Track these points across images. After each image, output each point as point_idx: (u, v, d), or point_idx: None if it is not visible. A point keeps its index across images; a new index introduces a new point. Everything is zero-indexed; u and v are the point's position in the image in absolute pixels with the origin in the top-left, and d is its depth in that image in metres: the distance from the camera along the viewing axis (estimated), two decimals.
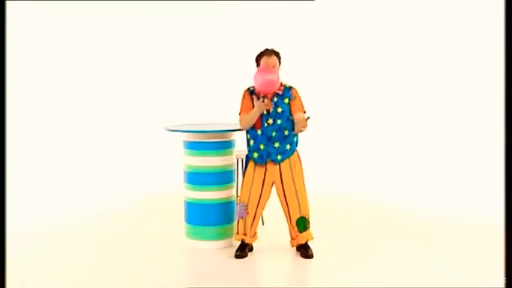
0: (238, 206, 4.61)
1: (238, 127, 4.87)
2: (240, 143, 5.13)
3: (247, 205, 4.51)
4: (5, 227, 3.57)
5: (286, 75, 7.29)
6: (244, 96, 4.57)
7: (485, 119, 6.36)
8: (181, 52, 7.79)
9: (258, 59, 4.50)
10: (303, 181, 4.55)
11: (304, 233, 4.49)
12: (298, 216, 4.47)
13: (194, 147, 4.88)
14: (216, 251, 4.63)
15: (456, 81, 6.61)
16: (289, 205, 4.47)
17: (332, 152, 7.28)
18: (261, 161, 4.49)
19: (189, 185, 4.91)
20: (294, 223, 4.49)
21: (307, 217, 4.50)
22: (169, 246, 4.84)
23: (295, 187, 4.44)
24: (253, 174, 4.52)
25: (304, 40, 7.53)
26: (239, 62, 7.49)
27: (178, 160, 5.08)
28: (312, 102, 7.11)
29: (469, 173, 6.30)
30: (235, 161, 5.17)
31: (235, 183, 5.13)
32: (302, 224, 4.48)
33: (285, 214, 4.56)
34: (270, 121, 4.44)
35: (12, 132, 6.13)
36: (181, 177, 4.99)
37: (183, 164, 4.95)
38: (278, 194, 4.53)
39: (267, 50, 4.48)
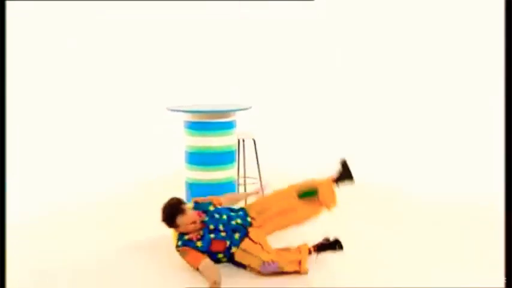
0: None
1: (240, 107, 4.87)
2: (242, 123, 5.13)
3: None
4: (5, 225, 3.53)
5: (286, 73, 7.35)
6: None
7: (487, 108, 6.29)
8: (182, 36, 7.67)
9: (170, 220, 3.95)
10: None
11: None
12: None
13: (195, 127, 4.86)
14: None
15: (457, 68, 6.53)
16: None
17: (338, 141, 7.24)
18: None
19: (190, 165, 4.91)
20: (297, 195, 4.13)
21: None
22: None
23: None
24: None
25: (304, 38, 7.46)
26: (239, 49, 7.48)
27: (179, 140, 5.05)
28: (320, 93, 7.21)
29: (468, 171, 6.25)
30: (237, 142, 5.16)
31: (236, 164, 5.13)
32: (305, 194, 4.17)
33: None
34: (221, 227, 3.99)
35: (12, 115, 6.09)
36: (182, 158, 4.98)
37: (184, 145, 4.94)
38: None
39: (173, 206, 3.98)
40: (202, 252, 3.86)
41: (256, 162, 5.34)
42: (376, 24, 6.81)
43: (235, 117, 4.95)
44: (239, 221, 4.04)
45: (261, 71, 7.47)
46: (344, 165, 4.27)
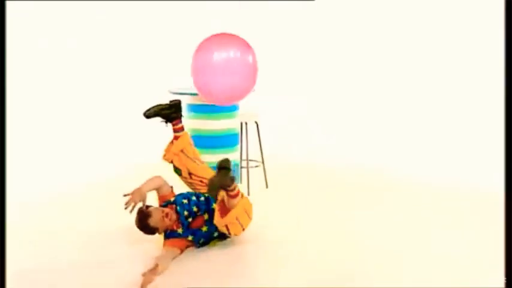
0: None
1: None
2: (244, 106, 5.09)
3: None
4: (5, 221, 3.54)
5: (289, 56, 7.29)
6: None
7: (486, 94, 6.23)
8: (185, 18, 7.56)
9: (146, 227, 3.91)
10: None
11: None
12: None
13: (198, 110, 4.87)
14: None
15: (457, 57, 6.47)
16: None
17: (339, 124, 7.20)
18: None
19: None
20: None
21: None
22: None
23: None
24: None
25: (307, 23, 7.38)
26: (242, 32, 7.32)
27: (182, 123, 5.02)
28: (322, 76, 7.16)
29: (469, 158, 6.20)
30: (240, 125, 5.14)
31: (239, 147, 5.12)
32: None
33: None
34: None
35: (14, 101, 6.08)
36: None
37: (187, 128, 4.90)
38: None
39: (139, 215, 3.90)
40: (187, 236, 3.90)
41: (259, 145, 5.34)
42: (377, 14, 6.80)
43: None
44: (206, 194, 4.07)
45: (264, 53, 7.38)
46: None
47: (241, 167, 5.25)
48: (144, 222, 3.87)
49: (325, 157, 6.35)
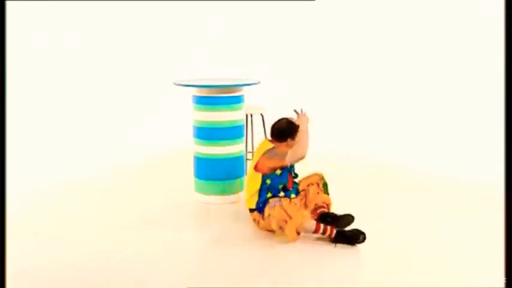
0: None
1: (247, 82, 4.83)
2: (249, 98, 5.07)
3: None
4: (5, 219, 3.54)
5: (294, 48, 7.26)
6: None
7: (488, 88, 6.16)
8: (191, 10, 7.57)
9: (292, 131, 4.12)
10: None
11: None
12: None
13: (203, 102, 4.85)
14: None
15: (456, 45, 6.43)
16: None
17: (345, 116, 7.20)
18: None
19: (198, 140, 4.92)
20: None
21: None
22: (179, 200, 4.94)
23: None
24: None
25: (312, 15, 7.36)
26: (247, 24, 7.38)
27: (188, 115, 5.03)
28: (328, 68, 7.14)
29: (472, 152, 6.15)
30: (245, 116, 5.13)
31: (244, 139, 5.12)
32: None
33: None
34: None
35: (17, 88, 6.13)
36: (191, 132, 4.98)
37: (192, 119, 4.92)
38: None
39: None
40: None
41: (264, 137, 5.31)
42: (382, 9, 6.81)
43: (244, 92, 4.92)
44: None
45: (269, 46, 7.44)
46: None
47: (247, 159, 5.25)
48: (296, 128, 4.08)
49: (329, 149, 6.34)
